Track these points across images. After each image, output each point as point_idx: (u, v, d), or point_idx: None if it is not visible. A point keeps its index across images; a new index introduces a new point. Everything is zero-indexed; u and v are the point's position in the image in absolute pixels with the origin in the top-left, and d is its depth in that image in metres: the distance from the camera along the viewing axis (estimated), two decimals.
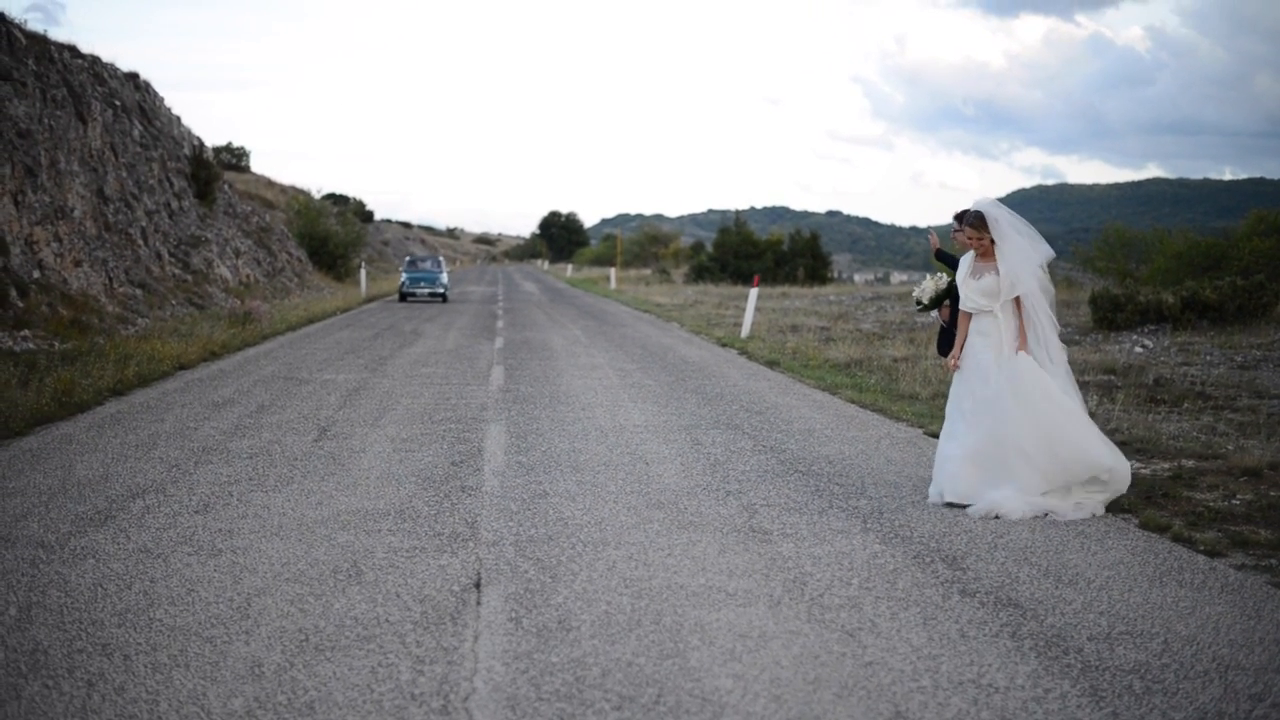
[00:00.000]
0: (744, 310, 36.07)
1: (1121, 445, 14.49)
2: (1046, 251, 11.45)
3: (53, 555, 9.28)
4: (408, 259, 61.89)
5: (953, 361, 11.81)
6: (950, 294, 12.48)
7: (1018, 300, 11.29)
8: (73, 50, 41.00)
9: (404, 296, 56.12)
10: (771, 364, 25.29)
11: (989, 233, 11.32)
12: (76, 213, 33.55)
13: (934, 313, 12.98)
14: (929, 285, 12.67)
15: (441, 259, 62.23)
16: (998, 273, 11.30)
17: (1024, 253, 11.30)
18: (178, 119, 56.64)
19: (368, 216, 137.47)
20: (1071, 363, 21.92)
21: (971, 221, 11.40)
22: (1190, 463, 13.58)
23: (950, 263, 12.96)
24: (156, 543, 9.69)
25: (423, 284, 56.32)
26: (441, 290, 56.33)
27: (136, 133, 44.85)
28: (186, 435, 15.08)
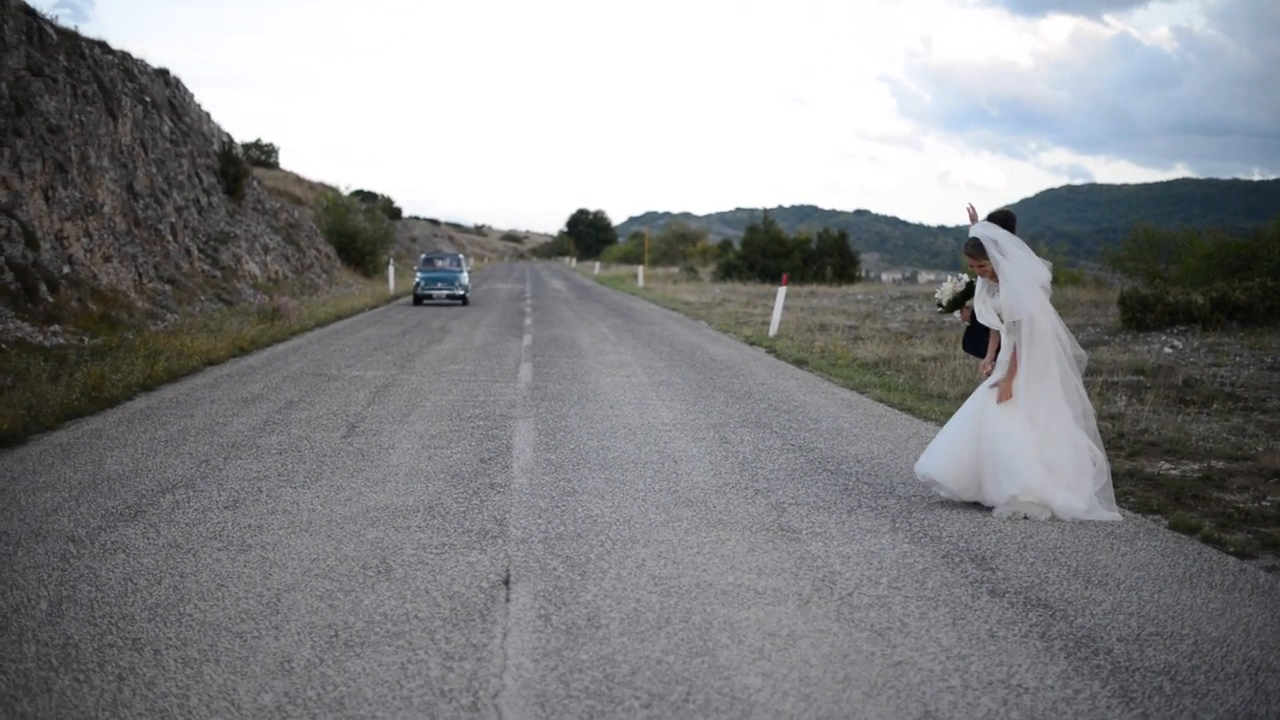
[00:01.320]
0: (772, 309, 36.06)
1: (1150, 446, 14.46)
2: (1044, 272, 11.40)
3: (83, 550, 9.33)
4: (424, 257, 57.18)
5: (985, 369, 11.77)
6: (970, 294, 12.42)
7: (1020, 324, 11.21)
8: (103, 46, 41.17)
9: (419, 299, 51.43)
10: (799, 363, 25.27)
11: (987, 259, 11.29)
12: (106, 208, 33.68)
13: (956, 313, 12.88)
14: (948, 287, 12.58)
15: (461, 257, 57.96)
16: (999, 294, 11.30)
17: (1025, 270, 11.23)
18: (207, 115, 56.83)
19: (396, 213, 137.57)
20: (1100, 363, 21.88)
21: (970, 251, 11.39)
22: (1220, 464, 13.53)
23: None
24: (186, 538, 9.73)
25: (440, 285, 51.54)
26: (461, 292, 51.90)
27: (166, 129, 45.02)
28: (216, 431, 15.13)
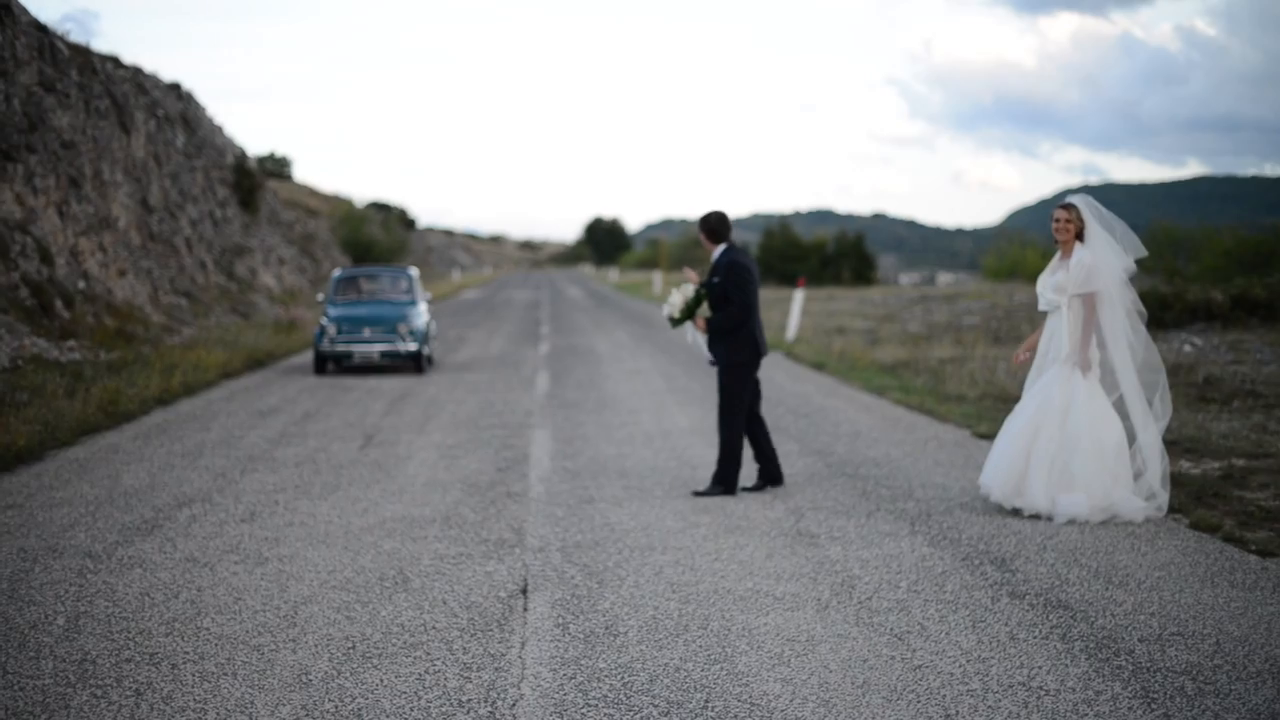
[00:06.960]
0: (789, 313, 35.96)
1: (1170, 445, 14.36)
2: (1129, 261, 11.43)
3: (100, 565, 9.32)
4: (336, 275, 27.51)
5: (1018, 358, 11.74)
6: (701, 303, 12.06)
7: (1086, 300, 11.18)
8: (115, 61, 41.18)
9: (325, 361, 24.63)
10: (817, 366, 25.21)
11: (1077, 223, 11.29)
12: (121, 223, 33.73)
13: (689, 326, 12.35)
14: (677, 299, 12.16)
15: (413, 274, 28.11)
16: (1068, 268, 11.21)
17: (1111, 248, 11.31)
18: (220, 128, 56.90)
19: (411, 224, 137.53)
20: None
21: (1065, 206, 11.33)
22: (1241, 462, 13.45)
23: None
24: (203, 551, 9.72)
25: (366, 331, 24.75)
26: (413, 347, 24.71)
27: (180, 142, 45.08)
28: (232, 444, 15.12)
